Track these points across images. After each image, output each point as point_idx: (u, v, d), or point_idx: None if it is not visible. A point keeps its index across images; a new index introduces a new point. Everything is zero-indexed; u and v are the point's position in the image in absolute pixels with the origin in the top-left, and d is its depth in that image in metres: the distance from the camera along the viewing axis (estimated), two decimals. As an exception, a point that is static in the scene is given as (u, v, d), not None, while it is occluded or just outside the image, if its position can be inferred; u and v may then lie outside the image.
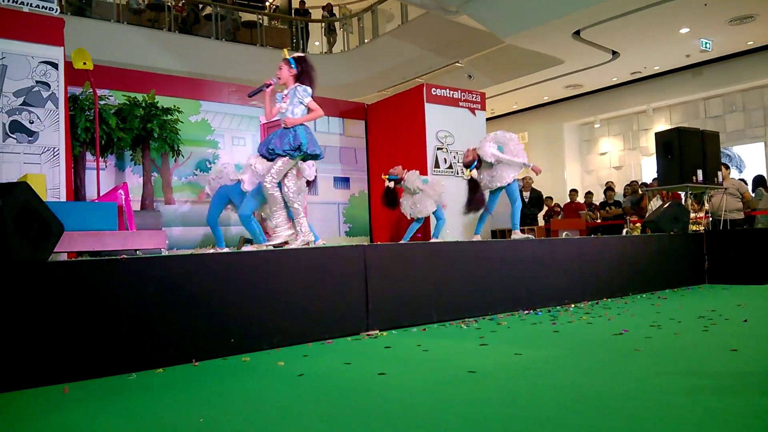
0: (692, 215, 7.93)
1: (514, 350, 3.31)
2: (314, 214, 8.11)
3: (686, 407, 2.14)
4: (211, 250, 4.37)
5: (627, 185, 11.49)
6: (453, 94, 8.63)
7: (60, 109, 5.69)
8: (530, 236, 6.40)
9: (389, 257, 4.38)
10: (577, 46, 11.36)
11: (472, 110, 8.71)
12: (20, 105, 5.50)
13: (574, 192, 12.05)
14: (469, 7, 10.45)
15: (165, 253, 4.81)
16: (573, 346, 3.46)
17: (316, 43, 15.50)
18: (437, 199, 7.34)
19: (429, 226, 7.90)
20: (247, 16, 14.47)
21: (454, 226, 8.12)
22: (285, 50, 4.61)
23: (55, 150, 5.63)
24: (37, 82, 5.60)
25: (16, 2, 5.69)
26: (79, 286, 3.03)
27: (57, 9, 5.93)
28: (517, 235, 6.25)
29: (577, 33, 10.77)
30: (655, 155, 8.29)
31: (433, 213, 7.41)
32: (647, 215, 8.03)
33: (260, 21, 14.35)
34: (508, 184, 6.25)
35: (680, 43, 11.68)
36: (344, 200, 9.05)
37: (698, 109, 14.17)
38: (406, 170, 7.37)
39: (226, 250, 5.66)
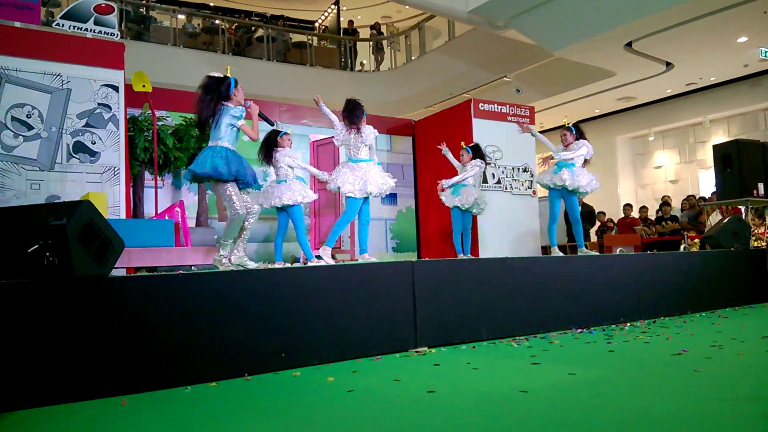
0: (753, 230, 7.61)
1: (568, 370, 3.23)
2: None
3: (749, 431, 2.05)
4: (260, 265, 4.46)
5: (684, 200, 11.13)
6: (501, 108, 8.58)
7: (120, 130, 5.94)
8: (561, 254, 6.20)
9: (438, 273, 4.37)
10: (629, 58, 11.13)
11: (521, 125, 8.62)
12: (83, 126, 5.76)
13: (628, 207, 11.74)
14: (517, 21, 10.38)
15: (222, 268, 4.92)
16: (629, 367, 3.36)
17: (364, 62, 15.70)
18: (475, 207, 7.09)
19: (477, 241, 7.84)
20: (297, 37, 14.81)
21: (502, 243, 8.03)
22: (229, 68, 4.34)
23: (116, 169, 5.86)
24: (98, 104, 5.87)
25: (80, 29, 5.99)
26: (137, 301, 3.14)
27: (118, 34, 6.21)
28: (555, 252, 6.14)
29: (629, 44, 10.54)
30: (713, 168, 8.02)
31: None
32: (706, 230, 7.75)
33: (310, 42, 14.65)
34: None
35: (738, 52, 11.29)
36: (392, 216, 9.08)
37: (758, 120, 13.63)
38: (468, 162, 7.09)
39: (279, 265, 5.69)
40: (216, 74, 4.29)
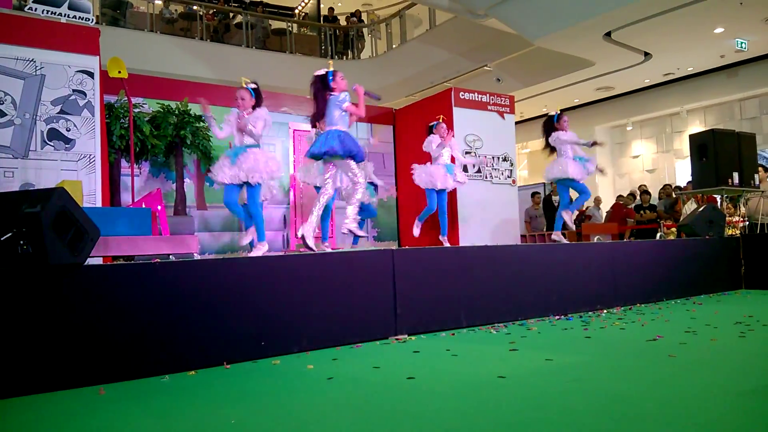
0: (728, 219, 7.74)
1: (545, 356, 3.28)
2: (342, 219, 8.12)
3: (722, 413, 2.10)
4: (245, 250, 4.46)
5: (661, 189, 11.25)
6: (481, 97, 8.58)
7: (96, 117, 5.83)
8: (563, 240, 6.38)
9: (418, 261, 4.38)
10: (608, 48, 11.21)
11: (501, 114, 8.65)
12: (57, 113, 5.65)
13: (630, 197, 11.74)
14: (498, 10, 10.39)
15: (197, 257, 4.88)
16: (605, 352, 3.41)
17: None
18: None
19: (457, 229, 7.86)
20: (276, 24, 14.65)
21: (481, 231, 8.07)
22: (331, 62, 4.86)
23: (91, 157, 5.76)
24: (73, 90, 5.75)
25: (54, 14, 5.86)
26: (114, 289, 3.10)
27: (93, 19, 6.08)
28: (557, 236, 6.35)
29: (608, 34, 10.62)
30: (689, 158, 8.13)
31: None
32: (682, 219, 7.87)
33: (290, 29, 14.50)
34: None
35: (714, 43, 11.44)
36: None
37: (734, 111, 13.86)
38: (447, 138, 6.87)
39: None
40: (319, 72, 4.78)
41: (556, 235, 6.40)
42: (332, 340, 3.81)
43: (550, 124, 6.53)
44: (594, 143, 6.88)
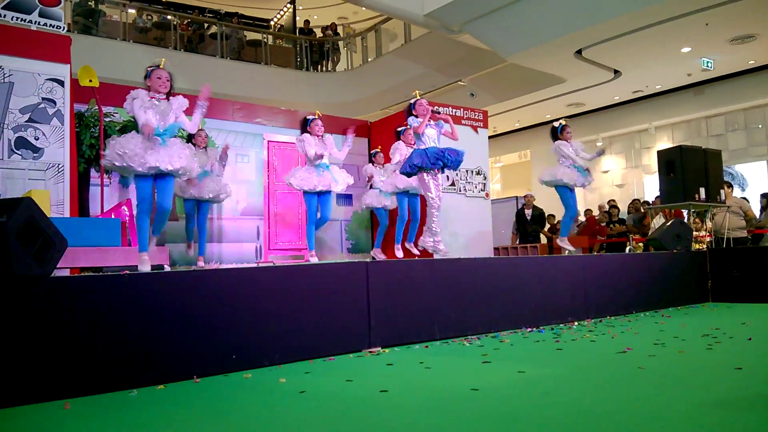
0: (695, 233, 7.91)
1: (517, 368, 3.29)
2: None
3: (690, 424, 2.13)
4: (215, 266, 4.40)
5: (630, 203, 11.44)
6: (455, 112, 8.67)
7: (65, 126, 5.74)
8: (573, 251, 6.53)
9: (391, 274, 4.38)
10: (578, 65, 11.43)
11: (475, 128, 8.75)
12: (26, 122, 5.54)
13: (591, 210, 11.88)
14: (472, 26, 10.53)
15: (168, 269, 4.81)
16: (576, 364, 3.45)
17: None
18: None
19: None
20: (251, 35, 14.61)
21: (455, 244, 8.11)
22: (417, 92, 5.93)
23: (60, 166, 5.66)
24: (43, 99, 5.65)
25: (24, 21, 5.76)
26: (81, 301, 3.03)
27: (64, 27, 6.00)
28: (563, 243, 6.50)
29: (579, 52, 10.84)
30: (657, 173, 8.29)
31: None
32: (650, 233, 8.01)
33: (265, 40, 14.48)
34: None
35: (682, 62, 11.74)
36: (347, 217, 9.06)
37: (700, 128, 14.20)
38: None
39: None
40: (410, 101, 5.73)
41: (563, 242, 6.51)
42: (305, 353, 3.78)
43: (554, 134, 6.62)
44: (601, 152, 6.91)
